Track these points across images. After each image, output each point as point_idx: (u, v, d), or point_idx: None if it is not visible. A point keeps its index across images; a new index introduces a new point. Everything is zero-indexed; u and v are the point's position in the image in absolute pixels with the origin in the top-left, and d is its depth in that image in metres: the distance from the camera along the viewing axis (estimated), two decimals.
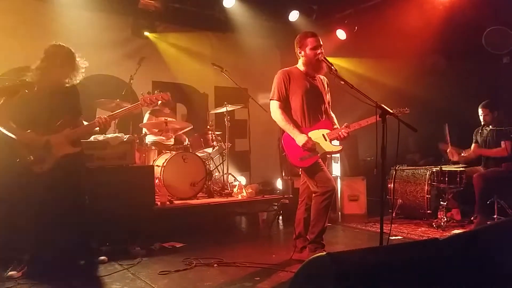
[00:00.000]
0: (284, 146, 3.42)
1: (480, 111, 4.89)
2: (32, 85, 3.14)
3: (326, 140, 3.39)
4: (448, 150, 5.00)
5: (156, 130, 5.66)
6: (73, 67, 3.33)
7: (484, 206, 4.54)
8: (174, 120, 5.69)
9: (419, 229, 4.71)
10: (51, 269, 3.23)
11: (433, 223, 4.73)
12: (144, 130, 5.60)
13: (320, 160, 3.38)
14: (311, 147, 3.30)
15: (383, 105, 2.79)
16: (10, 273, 3.10)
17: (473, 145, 5.07)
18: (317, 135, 3.38)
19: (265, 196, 5.49)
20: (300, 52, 3.50)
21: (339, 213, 5.75)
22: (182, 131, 5.92)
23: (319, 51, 3.40)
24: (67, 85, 3.35)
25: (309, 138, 3.30)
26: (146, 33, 6.46)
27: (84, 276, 3.24)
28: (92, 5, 5.80)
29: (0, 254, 3.31)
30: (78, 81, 3.42)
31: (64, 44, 3.35)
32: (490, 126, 4.84)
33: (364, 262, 1.17)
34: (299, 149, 3.32)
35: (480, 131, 5.01)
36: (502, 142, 4.64)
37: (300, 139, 3.29)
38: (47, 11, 5.73)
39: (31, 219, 3.22)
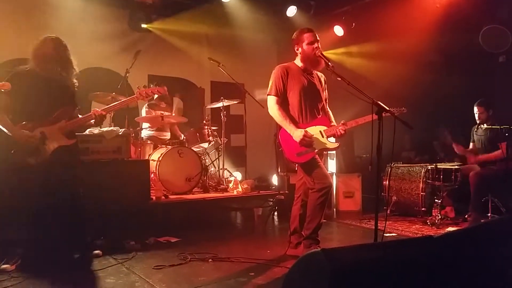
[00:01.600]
0: (280, 142, 3.42)
1: (475, 109, 4.90)
2: (24, 76, 3.13)
3: (323, 136, 3.39)
4: (453, 144, 4.99)
5: (152, 124, 5.64)
6: (66, 59, 3.30)
7: (479, 204, 4.57)
8: (170, 114, 5.68)
9: (414, 226, 4.74)
10: (45, 262, 3.21)
11: (428, 221, 4.76)
12: (146, 124, 5.58)
13: (317, 156, 3.38)
14: (308, 143, 3.29)
15: (379, 102, 2.79)
16: (4, 266, 3.09)
17: (471, 144, 5.09)
18: (314, 131, 3.38)
19: (260, 191, 5.49)
20: (297, 49, 3.49)
21: (334, 209, 5.77)
22: (177, 124, 5.89)
23: (316, 45, 3.40)
24: (62, 78, 3.32)
25: (306, 134, 3.29)
26: (144, 26, 6.41)
27: (78, 270, 3.22)
28: None
29: None
30: (73, 77, 3.39)
31: (57, 36, 3.32)
32: (485, 125, 4.85)
33: (358, 258, 1.18)
34: (296, 145, 3.31)
35: (476, 129, 5.03)
36: (499, 145, 4.63)
37: (297, 134, 3.29)
38: (43, 3, 5.68)
39: (25, 211, 3.21)
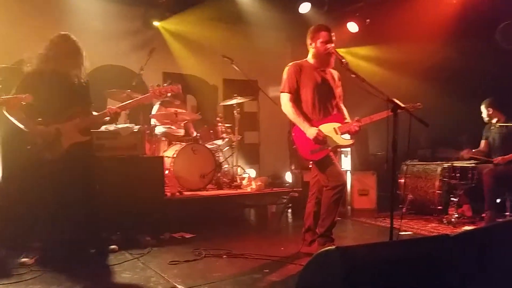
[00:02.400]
0: (294, 139, 3.41)
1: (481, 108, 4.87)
2: (39, 74, 3.19)
3: (337, 133, 3.37)
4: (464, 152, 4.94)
5: (167, 121, 5.68)
6: (78, 58, 3.33)
7: (493, 202, 4.49)
8: (184, 111, 5.71)
9: (429, 225, 4.68)
10: (63, 257, 3.28)
11: (444, 219, 4.70)
12: (154, 121, 5.63)
13: (331, 154, 3.36)
14: (322, 140, 3.28)
15: (394, 99, 2.76)
16: (23, 259, 3.16)
17: (482, 141, 5.00)
18: (328, 128, 3.36)
19: (274, 189, 5.49)
20: (310, 44, 3.48)
21: (349, 207, 5.74)
22: (191, 123, 5.92)
23: (329, 46, 3.37)
24: (78, 76, 3.36)
25: (320, 131, 3.28)
26: (156, 23, 6.46)
27: (95, 265, 3.28)
28: None
29: (13, 241, 3.37)
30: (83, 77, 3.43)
31: (68, 33, 3.34)
32: (497, 123, 4.77)
33: (373, 256, 1.17)
34: (310, 142, 3.30)
35: (491, 127, 4.95)
36: None
37: (311, 132, 3.27)
38: (59, 1, 5.76)
39: (42, 207, 3.27)
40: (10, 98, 3.02)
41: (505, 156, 4.68)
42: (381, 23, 6.22)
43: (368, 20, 6.46)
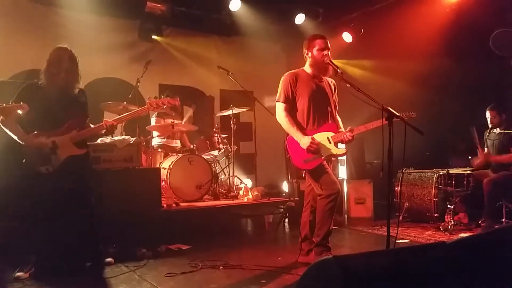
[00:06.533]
0: (288, 148, 3.42)
1: (487, 114, 4.85)
2: (36, 87, 3.20)
3: (330, 142, 3.39)
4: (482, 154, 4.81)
5: (166, 133, 5.68)
6: (77, 71, 3.34)
7: (493, 210, 4.50)
8: (180, 122, 5.72)
9: (426, 233, 4.68)
10: (58, 270, 3.25)
11: (440, 227, 4.70)
12: (156, 133, 5.63)
13: (324, 163, 3.37)
14: (315, 150, 3.29)
15: (389, 108, 2.78)
16: (18, 274, 3.13)
17: (485, 149, 5.02)
18: (321, 137, 3.38)
19: (271, 198, 5.48)
20: (307, 54, 3.51)
21: (346, 216, 5.73)
22: (186, 133, 5.92)
23: (325, 52, 3.41)
24: (75, 89, 3.36)
25: (314, 140, 3.29)
26: (154, 37, 6.51)
27: (91, 278, 3.25)
28: (99, 9, 5.85)
29: (8, 255, 3.34)
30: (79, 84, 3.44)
31: (67, 47, 3.36)
32: (498, 129, 4.79)
33: (371, 265, 1.17)
34: (303, 152, 3.31)
35: (488, 134, 4.97)
36: (510, 148, 4.57)
37: (304, 141, 3.29)
38: (55, 15, 5.79)
39: (37, 220, 3.25)
40: (5, 107, 3.02)
41: (491, 157, 4.66)
42: (375, 32, 6.28)
43: (362, 30, 6.53)
